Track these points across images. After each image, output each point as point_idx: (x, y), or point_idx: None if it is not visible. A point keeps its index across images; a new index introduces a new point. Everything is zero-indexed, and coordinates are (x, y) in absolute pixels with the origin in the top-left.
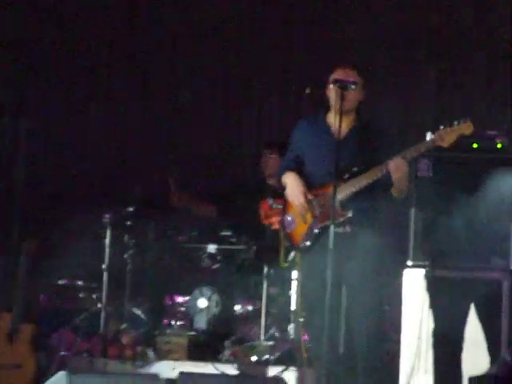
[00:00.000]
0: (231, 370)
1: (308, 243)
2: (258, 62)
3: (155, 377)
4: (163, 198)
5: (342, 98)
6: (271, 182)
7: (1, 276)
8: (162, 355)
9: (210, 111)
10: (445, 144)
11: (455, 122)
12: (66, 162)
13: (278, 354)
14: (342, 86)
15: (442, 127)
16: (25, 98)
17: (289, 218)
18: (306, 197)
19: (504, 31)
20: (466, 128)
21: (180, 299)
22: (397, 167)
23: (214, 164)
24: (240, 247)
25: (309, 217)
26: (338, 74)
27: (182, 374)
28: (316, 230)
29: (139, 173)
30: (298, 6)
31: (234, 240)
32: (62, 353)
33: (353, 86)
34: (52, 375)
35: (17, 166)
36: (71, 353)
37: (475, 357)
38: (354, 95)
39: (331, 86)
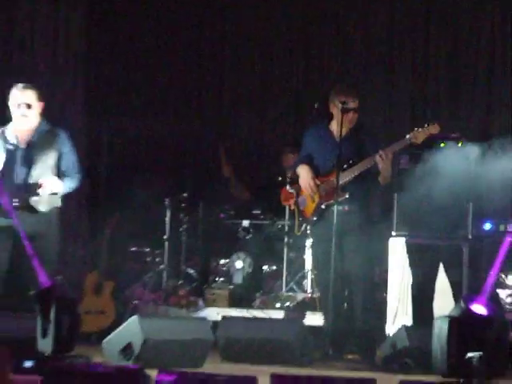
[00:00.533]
0: (261, 314)
1: (315, 218)
2: (279, 86)
3: (204, 320)
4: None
5: (347, 120)
6: (290, 172)
7: (88, 244)
8: (208, 304)
9: (245, 122)
10: (418, 141)
11: (425, 125)
12: (138, 157)
13: (295, 302)
14: (347, 111)
15: (415, 128)
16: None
17: (301, 199)
18: (314, 182)
19: (468, 53)
20: (433, 129)
21: (222, 261)
22: (381, 158)
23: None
24: (267, 222)
25: (316, 197)
26: (349, 103)
27: (224, 317)
28: (322, 206)
29: (192, 165)
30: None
31: (262, 217)
32: (135, 302)
33: (353, 113)
34: (127, 319)
35: (101, 160)
36: (141, 302)
37: (443, 303)
38: (354, 116)
39: (339, 110)
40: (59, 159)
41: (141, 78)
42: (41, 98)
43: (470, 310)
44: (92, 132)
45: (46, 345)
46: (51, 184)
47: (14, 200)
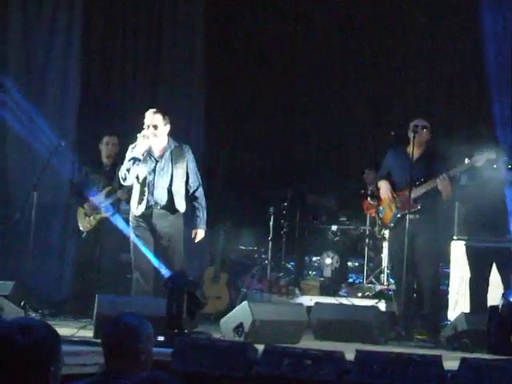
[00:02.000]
0: (345, 301)
1: (392, 224)
2: (361, 120)
3: (300, 305)
4: (303, 198)
5: (419, 141)
6: (371, 187)
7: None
8: (303, 292)
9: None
10: (477, 165)
11: (484, 150)
12: (248, 178)
13: (374, 292)
14: (417, 130)
15: (476, 154)
16: None
17: (381, 208)
18: (392, 195)
19: None
20: (491, 155)
21: (314, 258)
22: (440, 182)
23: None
24: (351, 227)
25: (393, 207)
26: (417, 122)
27: (316, 303)
28: (398, 215)
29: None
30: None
31: (347, 223)
32: (245, 290)
33: (424, 130)
34: (239, 303)
35: (217, 176)
36: (250, 290)
37: (495, 295)
38: (424, 136)
39: (412, 131)
40: (187, 169)
41: (249, 114)
42: (167, 121)
43: (509, 301)
44: (210, 155)
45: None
46: (200, 236)
47: (155, 201)
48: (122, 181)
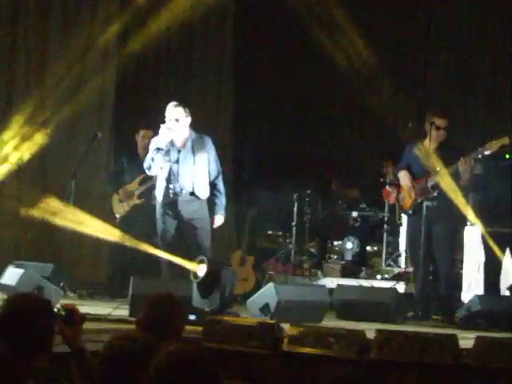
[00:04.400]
0: (365, 283)
1: (411, 211)
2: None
3: (323, 286)
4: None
5: (436, 136)
6: (389, 177)
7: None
8: (326, 274)
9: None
10: (492, 150)
11: (498, 137)
12: (274, 163)
13: (392, 275)
14: (436, 129)
15: (491, 141)
16: None
17: (401, 195)
18: (412, 183)
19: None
20: (504, 140)
21: (336, 242)
22: (463, 164)
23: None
24: (371, 214)
25: (413, 194)
26: (437, 122)
27: (338, 285)
28: (418, 201)
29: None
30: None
31: (367, 209)
32: (270, 272)
33: (441, 131)
34: (265, 285)
35: (245, 163)
36: (275, 273)
37: (507, 278)
38: (442, 133)
39: (431, 126)
40: (208, 158)
41: (277, 100)
42: (187, 113)
43: None
44: (238, 146)
45: (204, 303)
46: (219, 221)
47: (180, 188)
48: (147, 171)
